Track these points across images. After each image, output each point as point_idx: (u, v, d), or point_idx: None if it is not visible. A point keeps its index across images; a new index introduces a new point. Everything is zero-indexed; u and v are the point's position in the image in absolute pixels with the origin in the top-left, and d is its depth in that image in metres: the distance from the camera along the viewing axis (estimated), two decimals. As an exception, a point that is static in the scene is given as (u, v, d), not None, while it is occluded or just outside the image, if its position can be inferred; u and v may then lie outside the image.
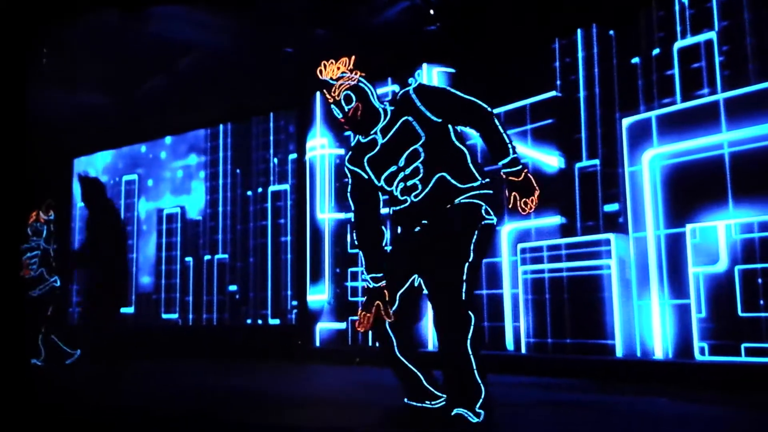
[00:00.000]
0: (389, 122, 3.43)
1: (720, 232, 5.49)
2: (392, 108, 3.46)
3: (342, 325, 8.23)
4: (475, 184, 3.34)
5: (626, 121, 6.14)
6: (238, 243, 9.61)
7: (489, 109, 3.41)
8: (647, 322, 5.95)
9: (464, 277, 3.24)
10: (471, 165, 3.39)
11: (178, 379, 6.25)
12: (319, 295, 8.45)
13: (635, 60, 6.22)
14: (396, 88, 7.87)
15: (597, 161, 6.38)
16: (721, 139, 5.62)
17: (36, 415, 2.71)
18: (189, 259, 10.05)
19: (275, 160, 9.36)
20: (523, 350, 6.64)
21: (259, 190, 9.48)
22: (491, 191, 3.40)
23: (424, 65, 7.50)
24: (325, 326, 8.36)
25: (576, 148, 6.51)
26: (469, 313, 3.25)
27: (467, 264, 3.26)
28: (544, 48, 6.78)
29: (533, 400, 4.62)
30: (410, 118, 3.38)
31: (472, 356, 3.24)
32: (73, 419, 2.86)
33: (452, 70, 7.47)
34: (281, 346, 8.50)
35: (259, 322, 9.22)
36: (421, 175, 3.33)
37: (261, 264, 9.31)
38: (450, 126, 3.41)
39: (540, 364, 6.35)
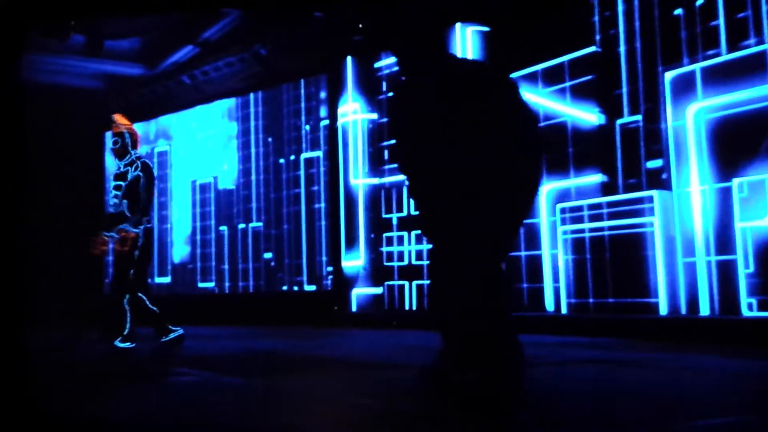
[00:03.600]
0: None
1: (769, 185, 5.35)
2: None
3: (378, 290, 8.20)
4: None
5: (669, 75, 5.98)
6: (272, 211, 9.60)
7: None
8: (692, 280, 5.84)
9: None
10: None
11: (210, 343, 6.27)
12: (354, 261, 8.42)
13: (678, 11, 6.04)
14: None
15: (639, 117, 6.23)
16: (768, 90, 5.46)
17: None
18: (223, 228, 10.08)
19: (307, 126, 9.30)
20: (564, 311, 6.57)
21: (292, 157, 9.44)
22: None
23: (458, 25, 7.36)
24: (361, 291, 8.34)
25: (617, 104, 6.37)
26: None
27: None
28: (582, 2, 6.61)
29: (573, 358, 4.55)
30: None
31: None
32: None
33: (487, 29, 7.32)
34: (318, 312, 8.51)
35: (295, 288, 9.23)
36: None
37: (295, 231, 9.30)
38: None
39: (581, 324, 6.28)
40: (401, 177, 7.95)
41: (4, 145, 3.28)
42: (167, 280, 10.58)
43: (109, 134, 6.09)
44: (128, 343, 5.46)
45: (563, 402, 2.92)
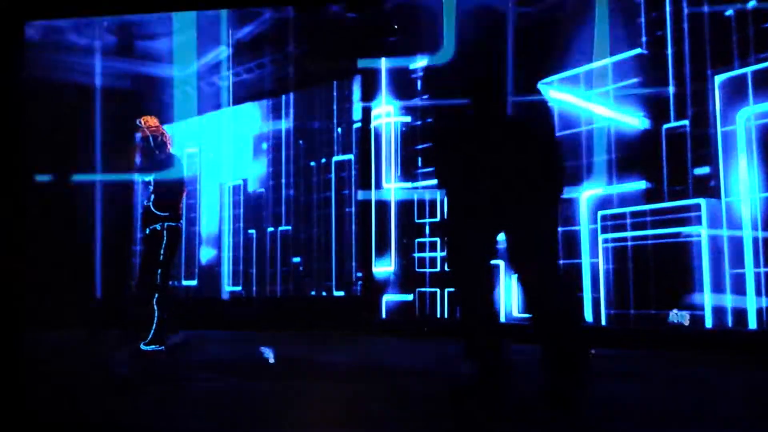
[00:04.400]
0: None
1: (824, 194, 5.12)
2: None
3: (409, 297, 8.02)
4: None
5: (719, 79, 5.76)
6: (301, 214, 9.48)
7: None
8: (740, 292, 5.59)
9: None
10: None
11: (236, 347, 6.15)
12: (385, 267, 8.25)
13: (729, 12, 5.82)
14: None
15: (686, 121, 6.01)
16: (824, 95, 5.23)
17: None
18: (252, 231, 9.96)
19: (339, 129, 9.17)
20: (603, 322, 6.35)
21: (323, 160, 9.31)
22: None
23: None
24: (391, 298, 8.17)
25: (663, 108, 6.14)
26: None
27: None
28: (627, 2, 6.41)
29: (606, 371, 4.31)
30: None
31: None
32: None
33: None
34: (346, 318, 8.34)
35: (324, 293, 9.08)
36: None
37: (325, 235, 9.16)
38: None
39: (621, 336, 6.06)
40: (435, 182, 7.79)
41: (8, 147, 3.19)
42: (194, 283, 10.48)
43: (137, 136, 5.92)
44: (154, 346, 5.31)
45: (579, 419, 2.74)
